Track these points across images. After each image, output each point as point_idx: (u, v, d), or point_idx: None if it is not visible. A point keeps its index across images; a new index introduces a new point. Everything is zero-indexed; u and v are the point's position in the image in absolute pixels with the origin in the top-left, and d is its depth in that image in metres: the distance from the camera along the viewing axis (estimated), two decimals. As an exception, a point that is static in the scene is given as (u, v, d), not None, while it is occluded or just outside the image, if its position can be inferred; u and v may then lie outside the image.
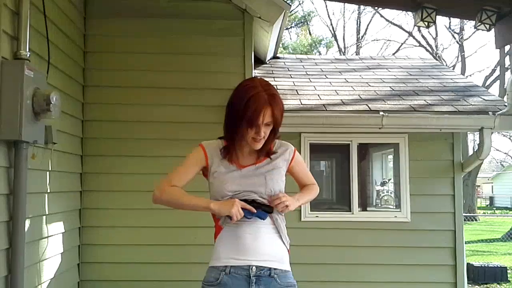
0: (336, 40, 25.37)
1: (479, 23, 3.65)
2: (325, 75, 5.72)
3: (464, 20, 20.08)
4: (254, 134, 1.91)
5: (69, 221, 3.76)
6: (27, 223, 2.82)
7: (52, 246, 3.34)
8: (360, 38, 25.34)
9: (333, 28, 25.73)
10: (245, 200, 1.92)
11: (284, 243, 2.00)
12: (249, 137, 1.92)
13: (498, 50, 19.33)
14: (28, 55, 2.71)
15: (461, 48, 23.31)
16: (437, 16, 3.74)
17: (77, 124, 3.98)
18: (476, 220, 19.68)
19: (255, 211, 1.91)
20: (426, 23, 3.78)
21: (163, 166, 3.99)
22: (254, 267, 1.91)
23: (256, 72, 5.16)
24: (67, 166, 3.73)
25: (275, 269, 1.94)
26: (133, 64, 4.21)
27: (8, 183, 2.67)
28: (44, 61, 3.07)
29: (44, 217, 3.22)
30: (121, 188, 4.13)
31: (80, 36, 4.05)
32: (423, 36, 23.58)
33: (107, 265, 4.12)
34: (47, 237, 3.26)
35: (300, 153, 2.29)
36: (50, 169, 3.26)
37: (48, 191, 3.27)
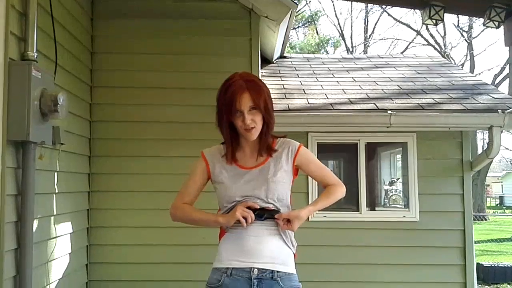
0: (343, 39, 25.31)
1: (488, 20, 3.60)
2: (332, 74, 5.70)
3: (473, 18, 19.94)
4: (241, 122, 1.89)
5: (77, 221, 3.77)
6: (35, 223, 2.84)
7: (60, 246, 3.35)
8: (368, 37, 25.26)
9: (340, 27, 25.67)
10: (252, 209, 1.88)
11: (288, 245, 1.97)
12: (240, 127, 1.91)
13: (508, 47, 19.16)
14: (35, 56, 2.72)
15: (470, 46, 23.15)
16: (445, 14, 3.70)
17: (84, 124, 3.99)
18: (485, 219, 19.55)
19: (258, 207, 1.89)
20: (434, 21, 3.74)
21: (171, 166, 4.04)
22: (256, 270, 1.89)
23: (263, 72, 5.14)
24: (75, 166, 3.75)
25: (278, 271, 1.91)
26: (140, 64, 4.22)
27: (16, 183, 2.68)
28: (52, 62, 3.08)
29: (52, 217, 3.23)
30: (129, 189, 4.14)
31: (87, 37, 4.06)
32: (431, 35, 23.48)
33: (115, 265, 4.14)
34: (55, 237, 3.27)
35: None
36: (57, 170, 3.27)
37: (56, 191, 3.28)
